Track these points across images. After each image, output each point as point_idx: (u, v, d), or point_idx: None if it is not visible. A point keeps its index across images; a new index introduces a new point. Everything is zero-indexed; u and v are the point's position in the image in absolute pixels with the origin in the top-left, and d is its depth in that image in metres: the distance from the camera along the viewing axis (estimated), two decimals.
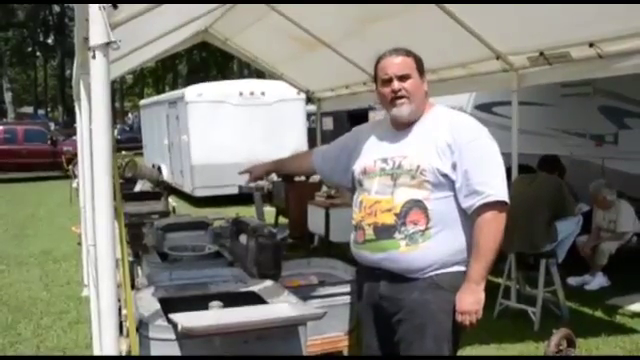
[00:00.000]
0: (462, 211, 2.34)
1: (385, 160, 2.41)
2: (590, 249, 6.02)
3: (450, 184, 2.31)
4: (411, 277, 2.34)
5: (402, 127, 2.46)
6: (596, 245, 6.01)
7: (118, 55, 4.14)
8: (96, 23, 1.86)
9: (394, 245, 2.31)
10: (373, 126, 2.68)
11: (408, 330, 2.36)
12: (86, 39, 1.96)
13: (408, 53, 2.45)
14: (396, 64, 2.41)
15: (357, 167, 2.53)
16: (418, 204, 2.29)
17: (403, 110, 2.40)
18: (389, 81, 2.41)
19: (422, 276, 2.33)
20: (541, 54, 4.75)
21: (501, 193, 2.29)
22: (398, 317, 2.38)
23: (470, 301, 2.31)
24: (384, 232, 2.33)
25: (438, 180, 2.29)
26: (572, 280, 5.97)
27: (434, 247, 2.30)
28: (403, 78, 2.39)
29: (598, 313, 5.24)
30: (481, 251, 2.30)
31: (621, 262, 5.93)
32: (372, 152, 2.50)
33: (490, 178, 2.30)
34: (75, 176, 10.62)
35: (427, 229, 2.30)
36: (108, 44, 1.86)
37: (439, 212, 2.30)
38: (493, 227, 2.29)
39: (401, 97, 2.39)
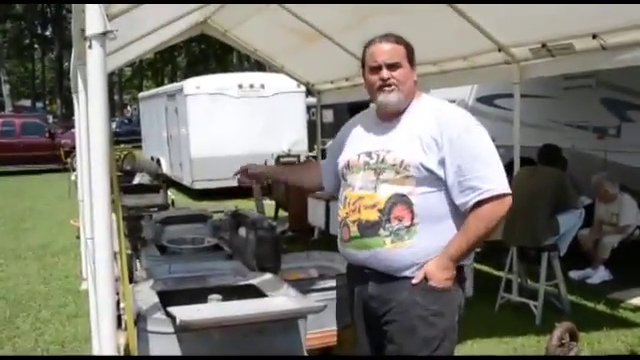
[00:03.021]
0: (451, 206, 2.24)
1: (369, 154, 2.32)
2: (592, 243, 5.99)
3: (436, 179, 2.21)
4: (399, 276, 2.25)
5: (388, 118, 2.36)
6: (598, 239, 5.98)
7: (116, 46, 4.11)
8: (92, 12, 1.84)
9: (378, 243, 2.23)
10: (359, 119, 2.56)
11: (398, 331, 2.28)
12: (83, 30, 1.95)
13: (399, 40, 2.33)
14: (386, 51, 2.30)
15: (341, 161, 2.45)
16: (402, 199, 2.21)
17: (391, 98, 2.29)
18: (378, 69, 2.30)
19: (411, 274, 2.24)
20: (543, 46, 4.71)
21: (500, 186, 2.18)
22: (387, 318, 2.30)
23: (439, 277, 2.21)
24: (368, 229, 2.25)
25: (423, 175, 2.20)
26: (574, 274, 5.95)
27: (420, 244, 2.21)
28: (392, 67, 2.29)
29: (600, 307, 5.21)
30: (469, 231, 2.20)
31: (623, 256, 5.90)
32: (356, 145, 2.41)
33: (486, 171, 2.19)
34: (74, 169, 10.59)
35: (412, 225, 2.21)
36: (105, 33, 1.85)
37: (425, 207, 2.21)
38: (490, 216, 2.18)
39: (389, 85, 2.28)
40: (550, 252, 4.98)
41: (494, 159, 2.22)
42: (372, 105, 2.48)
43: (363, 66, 2.39)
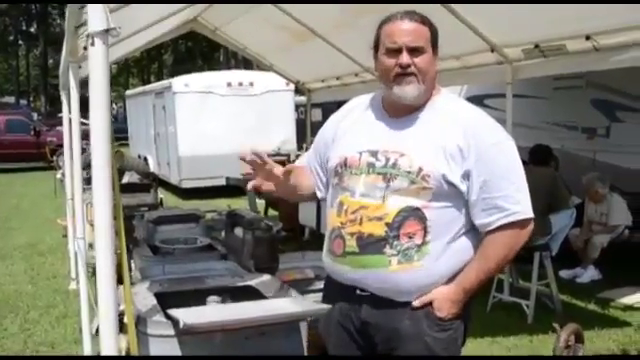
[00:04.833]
0: (467, 225, 1.97)
1: (375, 154, 1.96)
2: (582, 242, 6.03)
3: (457, 194, 1.92)
4: (399, 301, 1.95)
5: (400, 113, 1.99)
6: (588, 238, 6.02)
7: None
8: (95, 10, 1.82)
9: (382, 262, 1.91)
10: (357, 107, 2.15)
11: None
12: (77, 27, 1.91)
13: (424, 20, 1.96)
14: (409, 32, 1.92)
15: (334, 157, 2.06)
16: (416, 213, 1.89)
17: (408, 91, 1.93)
18: (397, 52, 1.93)
19: (413, 300, 1.95)
20: (536, 46, 4.72)
21: (526, 209, 1.94)
22: (385, 348, 2.01)
23: (447, 311, 1.95)
24: (371, 245, 1.91)
25: (443, 188, 1.90)
26: (564, 273, 5.97)
27: (431, 267, 1.92)
28: (415, 51, 1.92)
29: (591, 306, 5.24)
30: (487, 259, 1.95)
31: (613, 255, 5.94)
32: (356, 141, 2.03)
33: (514, 191, 1.93)
34: (60, 167, 10.45)
35: (424, 244, 1.90)
36: (107, 31, 1.82)
37: (440, 224, 1.91)
38: (511, 243, 1.95)
39: (409, 75, 1.92)
40: (542, 252, 5.00)
41: (522, 179, 1.97)
42: (375, 92, 2.14)
43: (376, 47, 2.01)
